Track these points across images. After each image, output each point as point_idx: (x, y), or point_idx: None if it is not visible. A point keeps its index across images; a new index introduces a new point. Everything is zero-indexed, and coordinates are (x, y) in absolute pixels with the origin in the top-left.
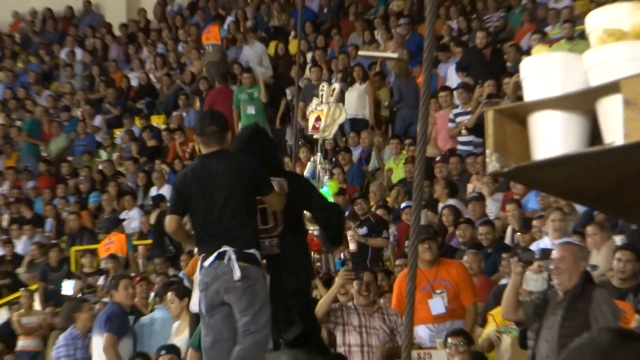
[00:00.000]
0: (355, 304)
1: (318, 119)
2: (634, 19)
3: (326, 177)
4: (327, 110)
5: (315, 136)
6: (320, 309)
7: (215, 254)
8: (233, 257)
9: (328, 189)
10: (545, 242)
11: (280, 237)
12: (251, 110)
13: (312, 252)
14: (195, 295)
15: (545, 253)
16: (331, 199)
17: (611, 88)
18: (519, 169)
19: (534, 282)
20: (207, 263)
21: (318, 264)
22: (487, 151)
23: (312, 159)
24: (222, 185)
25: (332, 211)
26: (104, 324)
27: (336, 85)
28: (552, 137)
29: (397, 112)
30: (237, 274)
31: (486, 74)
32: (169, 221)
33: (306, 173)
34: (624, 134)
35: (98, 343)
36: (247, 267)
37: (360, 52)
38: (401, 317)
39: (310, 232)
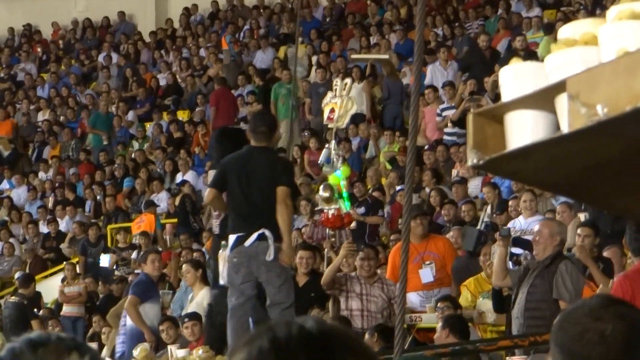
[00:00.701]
0: (357, 275)
1: (332, 110)
2: (586, 30)
3: (339, 162)
4: (340, 103)
5: (329, 126)
6: (325, 277)
7: (255, 235)
8: (271, 238)
9: (341, 173)
10: (520, 221)
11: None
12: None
13: (328, 229)
14: (225, 270)
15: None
16: (343, 182)
17: (560, 86)
18: (491, 161)
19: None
20: (247, 243)
21: (332, 239)
22: (468, 148)
23: (326, 146)
24: (259, 176)
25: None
26: (130, 289)
27: (348, 81)
28: (522, 133)
29: (385, 108)
30: (272, 254)
31: (487, 73)
32: (208, 193)
33: (321, 158)
34: (568, 124)
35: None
36: (279, 247)
37: (353, 56)
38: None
39: (325, 210)
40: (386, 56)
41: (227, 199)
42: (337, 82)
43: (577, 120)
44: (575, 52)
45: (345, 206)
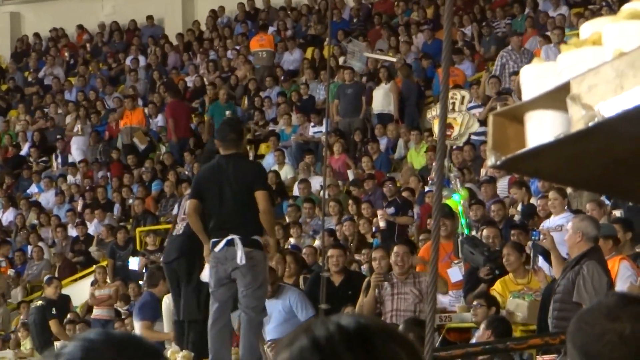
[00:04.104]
0: (391, 274)
1: (450, 126)
2: (595, 30)
3: (458, 184)
4: (461, 120)
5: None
6: (367, 311)
7: (224, 242)
8: (239, 244)
9: (459, 196)
10: (550, 220)
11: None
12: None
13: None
14: (206, 269)
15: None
16: (461, 207)
17: (566, 87)
18: (508, 161)
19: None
20: (217, 249)
21: None
22: (487, 148)
23: None
24: (233, 183)
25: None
26: (138, 313)
27: (466, 94)
28: (540, 133)
29: (404, 109)
30: (241, 259)
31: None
32: (189, 204)
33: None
34: (571, 125)
35: (137, 327)
36: (252, 251)
37: (365, 54)
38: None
39: None
40: (395, 59)
41: (204, 208)
42: (455, 94)
43: (578, 122)
44: (582, 53)
45: (465, 232)
